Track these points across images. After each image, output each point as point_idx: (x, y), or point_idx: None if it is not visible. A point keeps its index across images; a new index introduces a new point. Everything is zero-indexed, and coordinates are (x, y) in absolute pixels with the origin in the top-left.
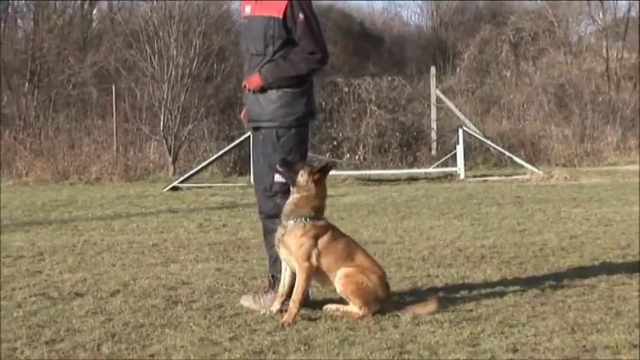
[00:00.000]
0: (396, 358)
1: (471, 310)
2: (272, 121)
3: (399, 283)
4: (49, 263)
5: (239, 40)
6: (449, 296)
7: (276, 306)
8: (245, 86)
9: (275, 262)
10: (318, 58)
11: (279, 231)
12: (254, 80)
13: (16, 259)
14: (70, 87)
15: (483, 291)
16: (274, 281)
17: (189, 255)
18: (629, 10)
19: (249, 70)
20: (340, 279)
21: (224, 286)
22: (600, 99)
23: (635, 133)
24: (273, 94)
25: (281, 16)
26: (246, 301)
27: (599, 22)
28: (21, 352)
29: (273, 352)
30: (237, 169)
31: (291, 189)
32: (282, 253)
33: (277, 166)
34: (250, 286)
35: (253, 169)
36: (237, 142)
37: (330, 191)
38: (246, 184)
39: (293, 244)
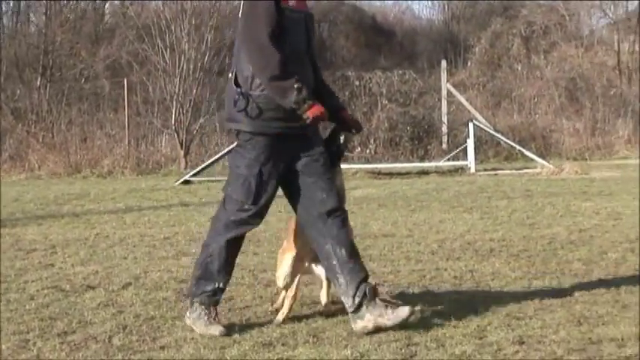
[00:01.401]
0: (403, 350)
1: (479, 303)
2: None
3: (407, 276)
4: (62, 256)
5: (282, 36)
6: (457, 289)
7: None
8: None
9: None
10: None
11: None
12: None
13: (29, 252)
14: (83, 81)
15: (491, 284)
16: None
17: (200, 248)
18: None
19: (303, 71)
20: None
21: (234, 279)
22: (612, 92)
23: None
24: None
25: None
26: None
27: (611, 15)
28: (33, 343)
29: (282, 344)
30: None
31: None
32: None
33: None
34: (260, 279)
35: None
36: None
37: None
38: None
39: None
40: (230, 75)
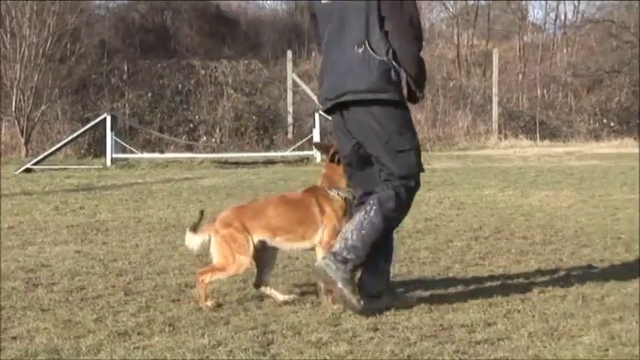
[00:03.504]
0: (260, 338)
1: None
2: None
3: None
4: None
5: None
6: (310, 276)
7: None
8: None
9: None
10: None
11: None
12: None
13: None
14: None
15: None
16: None
17: (47, 237)
18: None
19: None
20: None
21: (84, 269)
22: (451, 85)
23: (484, 119)
24: None
25: None
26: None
27: (451, 9)
28: None
29: (138, 334)
30: (92, 150)
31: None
32: None
33: None
34: (112, 268)
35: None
36: (92, 123)
37: (187, 174)
38: (101, 166)
39: None
40: (363, 47)
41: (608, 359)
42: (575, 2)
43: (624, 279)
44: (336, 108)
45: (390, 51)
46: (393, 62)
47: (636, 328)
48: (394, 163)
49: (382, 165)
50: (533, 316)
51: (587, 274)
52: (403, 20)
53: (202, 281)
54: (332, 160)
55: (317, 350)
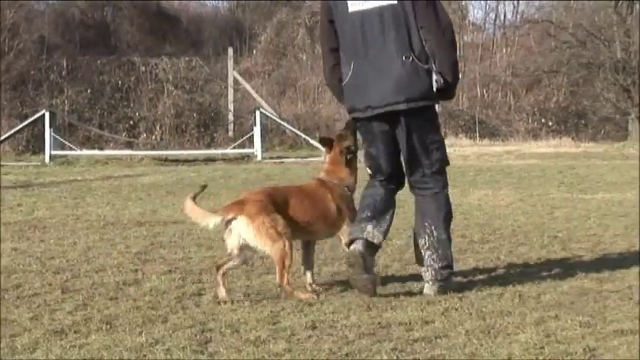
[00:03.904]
0: (198, 336)
1: (271, 289)
2: None
3: (199, 262)
4: None
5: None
6: (249, 274)
7: None
8: None
9: None
10: None
11: None
12: None
13: None
14: None
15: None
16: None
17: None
18: None
19: None
20: None
21: (21, 266)
22: None
23: None
24: None
25: None
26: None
27: None
28: None
29: (75, 332)
30: (31, 147)
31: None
32: None
33: None
34: (49, 265)
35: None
36: (30, 120)
37: (127, 171)
38: (40, 163)
39: None
40: (411, 57)
41: (543, 357)
42: (515, 2)
43: (560, 277)
44: (379, 116)
45: (431, 60)
46: (435, 69)
47: (571, 326)
48: (432, 159)
49: (421, 164)
50: (471, 314)
51: (524, 272)
52: (440, 30)
53: (286, 285)
54: (340, 154)
55: (255, 348)
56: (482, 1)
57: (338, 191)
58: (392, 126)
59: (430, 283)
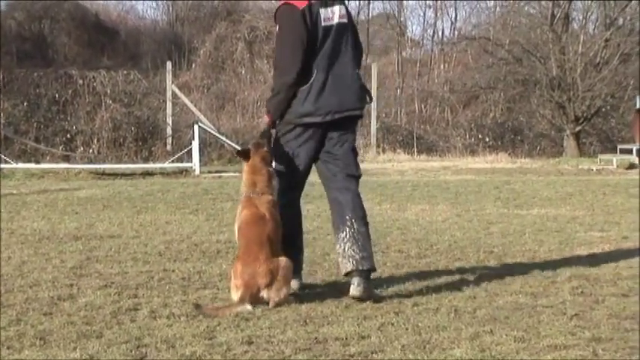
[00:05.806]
0: (133, 352)
1: (207, 304)
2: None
3: (135, 277)
4: None
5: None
6: (185, 289)
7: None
8: None
9: None
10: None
11: None
12: None
13: None
14: None
15: (219, 284)
16: None
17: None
18: None
19: None
20: None
21: None
22: None
23: (362, 133)
24: None
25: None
26: None
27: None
28: None
29: (8, 347)
30: None
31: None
32: None
33: None
34: None
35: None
36: None
37: (63, 185)
38: None
39: None
40: (357, 70)
41: None
42: (452, 19)
43: (495, 292)
44: (334, 121)
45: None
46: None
47: (506, 341)
48: (355, 165)
49: (349, 165)
50: (407, 329)
51: (460, 287)
52: (359, 48)
53: None
54: (260, 162)
55: None
56: (421, 18)
57: (264, 199)
58: (331, 132)
59: (355, 284)
